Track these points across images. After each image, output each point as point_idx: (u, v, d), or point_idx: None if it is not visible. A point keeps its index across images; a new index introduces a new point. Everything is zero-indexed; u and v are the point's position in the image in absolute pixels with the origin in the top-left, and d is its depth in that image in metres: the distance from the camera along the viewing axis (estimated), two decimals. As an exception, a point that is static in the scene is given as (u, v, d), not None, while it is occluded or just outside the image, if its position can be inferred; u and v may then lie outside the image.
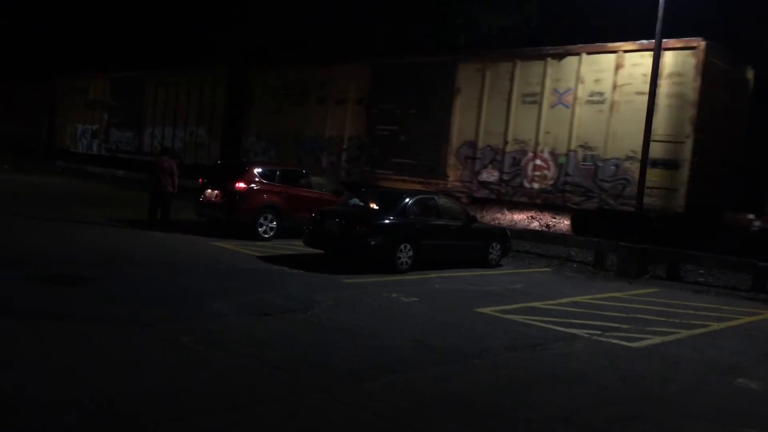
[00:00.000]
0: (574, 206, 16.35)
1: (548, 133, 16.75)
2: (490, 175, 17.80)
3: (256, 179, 14.78)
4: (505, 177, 17.54)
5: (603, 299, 10.92)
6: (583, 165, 16.07)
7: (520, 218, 20.17)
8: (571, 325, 8.65)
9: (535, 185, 16.93)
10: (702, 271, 14.06)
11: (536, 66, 17.16)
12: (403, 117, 20.05)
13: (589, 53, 16.26)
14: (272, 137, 23.88)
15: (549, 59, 16.95)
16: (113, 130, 32.16)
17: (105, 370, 5.67)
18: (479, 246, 13.45)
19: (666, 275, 13.73)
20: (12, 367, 5.59)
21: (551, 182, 16.66)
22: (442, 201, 13.76)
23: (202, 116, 26.62)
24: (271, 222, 14.66)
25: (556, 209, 18.75)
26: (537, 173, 16.93)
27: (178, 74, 28.30)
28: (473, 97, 18.31)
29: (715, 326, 9.46)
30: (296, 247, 13.38)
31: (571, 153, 16.26)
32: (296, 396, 5.43)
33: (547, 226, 19.10)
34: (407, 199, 12.54)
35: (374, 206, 12.77)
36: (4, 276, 8.94)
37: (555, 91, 16.75)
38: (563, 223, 19.06)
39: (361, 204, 13.07)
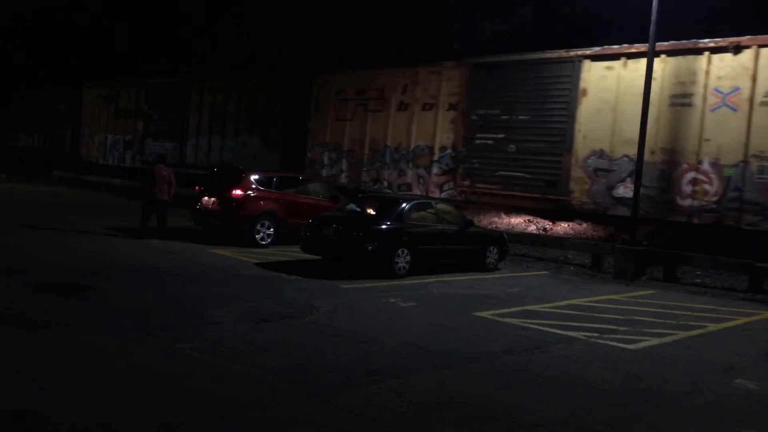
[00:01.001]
0: (748, 227, 13.84)
1: (708, 140, 14.28)
2: (629, 190, 14.81)
3: (253, 186, 14.79)
4: (650, 192, 14.91)
5: (600, 301, 10.93)
6: (759, 178, 13.71)
7: (517, 222, 20.17)
8: (569, 328, 8.66)
9: (693, 202, 14.43)
10: (699, 273, 14.07)
11: (689, 61, 14.72)
12: (511, 123, 17.49)
13: (762, 46, 13.79)
14: (342, 147, 21.32)
15: (708, 54, 14.42)
16: (150, 140, 29.54)
17: (102, 378, 5.66)
18: (477, 250, 13.46)
19: (663, 277, 13.75)
20: (10, 376, 5.59)
21: (715, 199, 14.18)
22: (439, 206, 13.80)
23: (257, 125, 24.19)
24: (269, 229, 14.67)
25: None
26: (695, 188, 14.43)
27: (229, 80, 25.91)
28: (604, 99, 15.83)
29: (712, 327, 9.48)
30: (294, 253, 13.37)
31: (742, 164, 13.85)
32: (295, 402, 5.44)
33: (544, 229, 19.08)
34: (404, 204, 12.56)
35: (371, 212, 12.78)
36: (0, 285, 8.93)
37: (717, 91, 14.29)
38: (560, 226, 19.08)
39: (358, 210, 13.08)
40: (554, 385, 6.32)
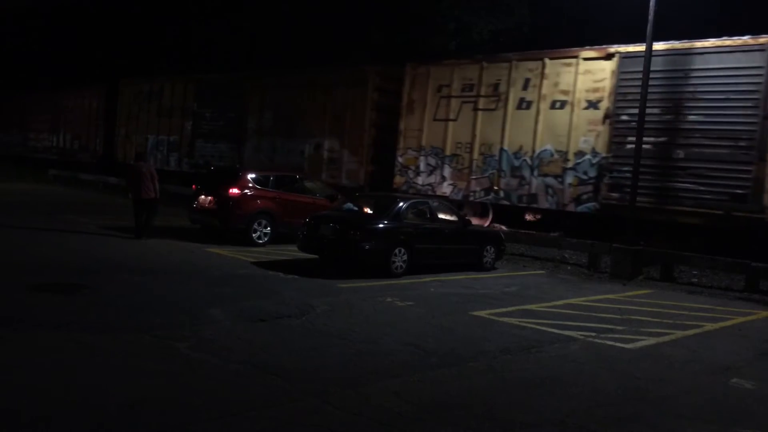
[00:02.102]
0: None
1: None
2: None
3: (250, 185, 14.77)
4: None
5: (597, 301, 10.95)
6: None
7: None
8: (566, 327, 8.67)
9: None
10: (695, 272, 14.10)
11: None
12: (676, 125, 14.73)
13: None
14: (443, 152, 18.51)
15: None
16: (200, 141, 26.38)
17: (98, 378, 5.65)
18: (474, 249, 13.47)
19: (660, 276, 13.77)
20: (5, 377, 5.57)
21: None
22: (436, 204, 13.80)
23: (335, 125, 21.19)
24: (265, 227, 14.65)
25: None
26: None
27: (299, 75, 23.23)
28: None
29: (709, 327, 9.49)
30: (291, 252, 13.37)
31: None
32: (292, 401, 5.43)
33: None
34: (401, 204, 12.55)
35: (368, 211, 12.78)
36: (-3, 285, 8.91)
37: None
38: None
39: (356, 209, 13.07)
40: (551, 385, 6.32)
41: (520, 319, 8.99)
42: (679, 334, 8.84)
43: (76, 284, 9.23)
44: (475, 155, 17.86)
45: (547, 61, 16.72)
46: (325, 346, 7.08)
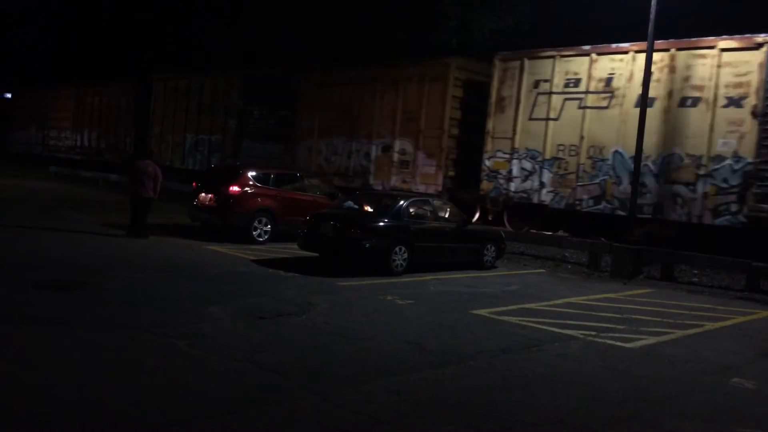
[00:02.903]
0: None
1: None
2: None
3: (251, 183, 14.76)
4: None
5: (598, 300, 10.94)
6: None
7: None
8: (567, 326, 8.66)
9: None
10: (696, 272, 14.10)
11: None
12: None
13: None
14: (541, 155, 16.65)
15: None
16: (247, 142, 24.56)
17: (100, 375, 5.65)
18: (474, 248, 13.46)
19: (660, 276, 13.77)
20: (6, 373, 5.56)
21: None
22: (437, 203, 13.79)
23: (407, 125, 19.35)
24: (266, 225, 14.64)
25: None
26: None
27: (363, 69, 21.22)
28: None
29: (709, 326, 9.49)
30: (291, 250, 13.36)
31: None
32: (292, 399, 5.43)
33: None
34: (401, 202, 12.54)
35: (369, 209, 12.77)
36: (-3, 281, 8.90)
37: None
38: None
39: (356, 207, 13.07)
40: (552, 384, 6.31)
41: (520, 318, 8.99)
42: (680, 333, 8.84)
43: (77, 281, 9.22)
44: (583, 159, 15.91)
45: (674, 52, 14.74)
46: (325, 344, 7.08)
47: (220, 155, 25.41)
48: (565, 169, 16.28)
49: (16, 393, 5.13)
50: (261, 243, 14.42)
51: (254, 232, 14.47)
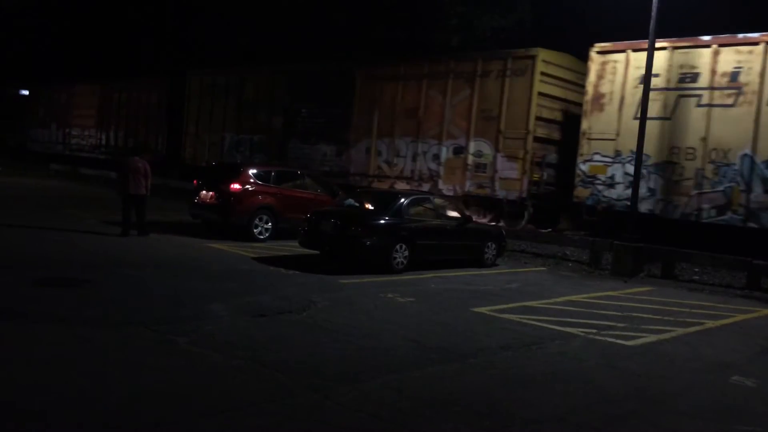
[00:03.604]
0: None
1: None
2: None
3: (251, 180, 14.75)
4: None
5: (598, 298, 10.94)
6: None
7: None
8: (567, 324, 8.66)
9: None
10: (697, 270, 14.10)
11: None
12: None
13: None
14: (647, 158, 14.82)
15: None
16: (295, 142, 22.81)
17: (100, 373, 5.65)
18: (475, 246, 13.46)
19: (661, 274, 13.76)
20: (6, 371, 5.57)
21: None
22: (438, 201, 13.79)
23: (483, 124, 17.66)
24: (267, 223, 14.64)
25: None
26: None
27: (431, 63, 19.26)
28: None
29: (710, 324, 9.48)
30: (292, 248, 13.37)
31: None
32: (292, 397, 5.43)
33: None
34: (402, 200, 12.54)
35: (369, 207, 12.77)
36: (-2, 279, 8.91)
37: None
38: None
39: (357, 205, 13.06)
40: (552, 382, 6.31)
41: (521, 316, 8.99)
42: (680, 331, 8.84)
43: (77, 278, 9.23)
44: (703, 163, 14.34)
45: None
46: (325, 342, 7.08)
47: (263, 156, 23.72)
48: (680, 175, 14.64)
49: (15, 390, 5.14)
50: (262, 241, 14.42)
51: (255, 230, 14.47)
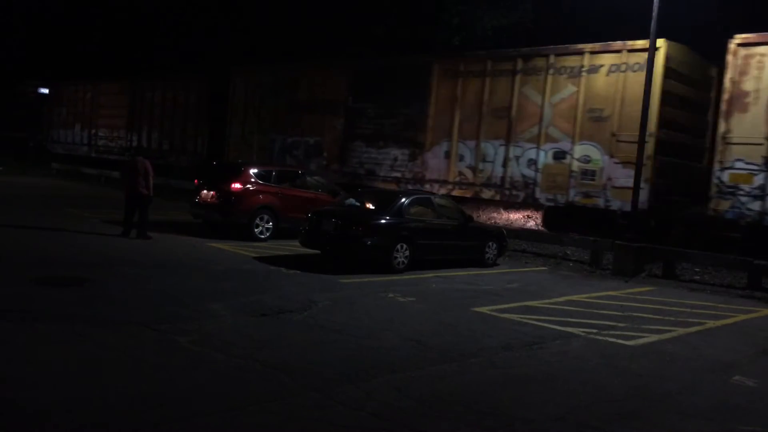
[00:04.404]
0: None
1: None
2: None
3: (252, 180, 14.76)
4: None
5: (599, 298, 10.94)
6: None
7: (516, 217, 20.14)
8: (568, 324, 8.66)
9: None
10: (698, 270, 14.09)
11: None
12: None
13: None
14: None
15: None
16: (358, 144, 20.64)
17: (101, 372, 5.66)
18: (476, 245, 13.46)
19: (662, 274, 13.76)
20: (7, 369, 5.58)
21: None
22: (438, 200, 13.79)
23: (590, 125, 15.77)
24: (267, 222, 14.65)
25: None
26: None
27: (526, 57, 17.12)
28: None
29: (711, 324, 9.48)
30: (292, 247, 13.37)
31: None
32: (294, 396, 5.43)
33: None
34: (403, 199, 12.54)
35: (370, 206, 12.77)
36: (-1, 278, 8.92)
37: None
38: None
39: (358, 204, 13.07)
40: (553, 381, 6.32)
41: (521, 316, 8.99)
42: (681, 331, 8.84)
43: (78, 277, 9.24)
44: None
45: None
46: (326, 341, 7.09)
47: (321, 160, 21.72)
48: None
49: (16, 388, 5.14)
50: (263, 240, 14.43)
51: (256, 230, 14.48)
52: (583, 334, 8.24)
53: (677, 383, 6.58)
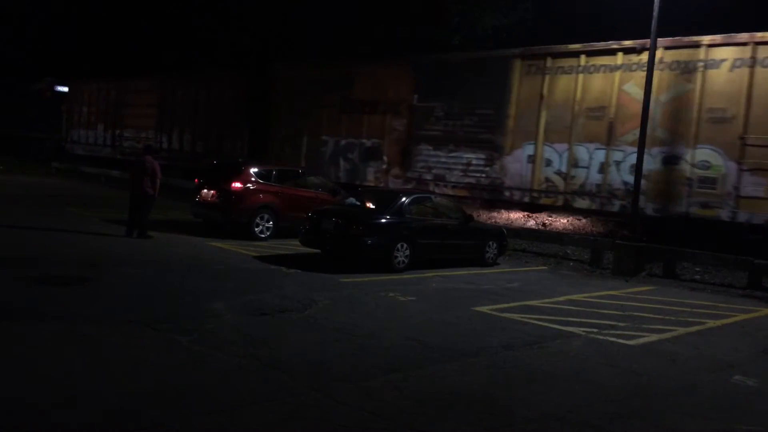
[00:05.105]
0: None
1: None
2: None
3: (252, 179, 14.76)
4: None
5: (600, 297, 10.94)
6: None
7: (516, 217, 20.14)
8: (568, 323, 8.66)
9: None
10: (698, 269, 14.09)
11: None
12: None
13: None
14: None
15: None
16: (424, 148, 18.95)
17: (102, 371, 5.65)
18: (476, 245, 13.46)
19: (662, 273, 13.76)
20: (8, 368, 5.57)
21: None
22: (439, 200, 13.79)
23: (710, 127, 14.16)
24: (268, 222, 14.65)
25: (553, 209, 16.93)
26: None
27: (627, 51, 15.43)
28: None
29: (711, 324, 9.48)
30: (293, 246, 13.37)
31: None
32: (294, 396, 5.43)
33: (543, 224, 19.06)
34: (404, 199, 12.54)
35: (371, 205, 12.77)
36: None
37: None
38: (559, 222, 19.07)
39: (358, 203, 13.07)
40: (553, 380, 6.32)
41: (522, 315, 8.99)
42: (681, 330, 8.83)
43: (78, 277, 9.23)
44: None
45: None
46: (326, 341, 7.09)
47: (380, 164, 19.95)
48: None
49: (16, 387, 5.14)
50: (263, 239, 14.43)
51: (256, 229, 14.48)
52: (583, 333, 8.24)
53: (677, 383, 6.58)
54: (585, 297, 10.88)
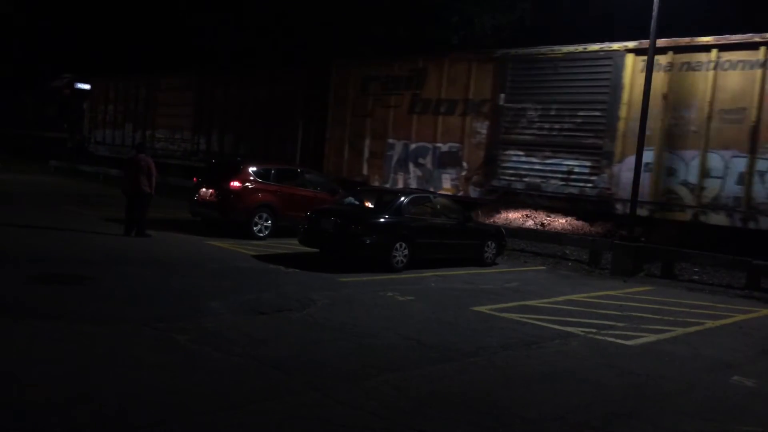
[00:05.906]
0: None
1: None
2: None
3: (251, 178, 14.74)
4: None
5: (598, 297, 10.94)
6: None
7: (515, 217, 20.13)
8: (567, 323, 8.66)
9: None
10: (696, 269, 14.09)
11: None
12: None
13: None
14: None
15: None
16: (513, 153, 17.09)
17: (100, 370, 5.64)
18: (475, 245, 13.46)
19: (661, 273, 13.76)
20: (6, 367, 5.56)
21: None
22: (438, 200, 13.79)
23: None
24: (266, 221, 14.64)
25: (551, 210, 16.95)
26: None
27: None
28: None
29: (709, 324, 9.48)
30: (291, 246, 13.36)
31: None
32: (292, 395, 5.42)
33: (542, 224, 19.06)
34: (402, 198, 12.54)
35: (369, 205, 12.77)
36: (-2, 276, 8.90)
37: None
38: (557, 222, 19.06)
39: (357, 203, 13.07)
40: (552, 381, 6.32)
41: (520, 315, 8.99)
42: (680, 331, 8.84)
43: (76, 275, 9.22)
44: None
45: None
46: (325, 340, 7.08)
47: (459, 171, 18.09)
48: None
49: (14, 387, 5.13)
50: (261, 238, 14.41)
51: (255, 228, 14.46)
52: (582, 333, 8.24)
53: (676, 383, 6.58)
54: (583, 297, 10.88)
